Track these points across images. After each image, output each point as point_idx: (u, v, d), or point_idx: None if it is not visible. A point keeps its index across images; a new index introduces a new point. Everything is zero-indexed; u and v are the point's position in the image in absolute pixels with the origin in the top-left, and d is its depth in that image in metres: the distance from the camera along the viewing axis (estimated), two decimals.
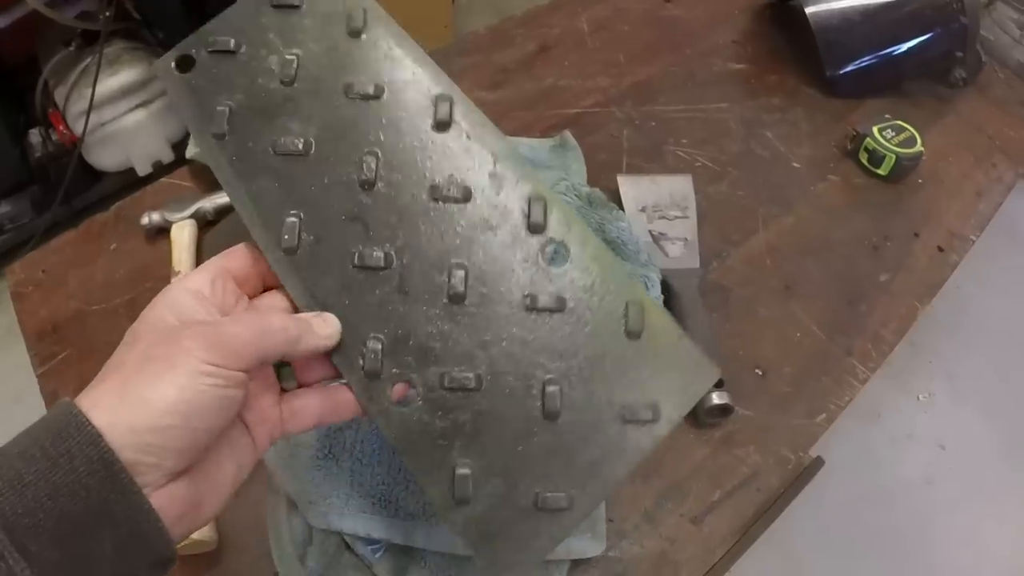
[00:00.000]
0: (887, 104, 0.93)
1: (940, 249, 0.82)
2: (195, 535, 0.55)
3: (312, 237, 0.40)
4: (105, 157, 1.51)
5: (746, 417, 0.66)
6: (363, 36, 0.42)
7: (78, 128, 1.41)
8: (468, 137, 0.41)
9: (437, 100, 0.41)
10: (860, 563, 1.19)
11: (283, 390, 0.39)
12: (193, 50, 0.43)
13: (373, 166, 0.40)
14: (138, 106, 1.47)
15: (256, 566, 0.56)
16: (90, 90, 1.36)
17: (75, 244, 0.77)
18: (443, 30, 1.86)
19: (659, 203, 0.75)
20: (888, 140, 0.84)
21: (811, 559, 1.13)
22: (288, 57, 0.42)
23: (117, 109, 1.45)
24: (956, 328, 1.40)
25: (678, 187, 0.77)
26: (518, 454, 0.38)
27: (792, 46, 0.97)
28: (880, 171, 0.85)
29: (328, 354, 0.39)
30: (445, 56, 0.89)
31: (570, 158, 0.77)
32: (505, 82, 0.89)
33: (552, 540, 0.38)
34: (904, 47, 0.92)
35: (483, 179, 0.41)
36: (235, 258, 0.39)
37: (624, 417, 0.38)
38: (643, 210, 0.75)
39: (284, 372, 0.39)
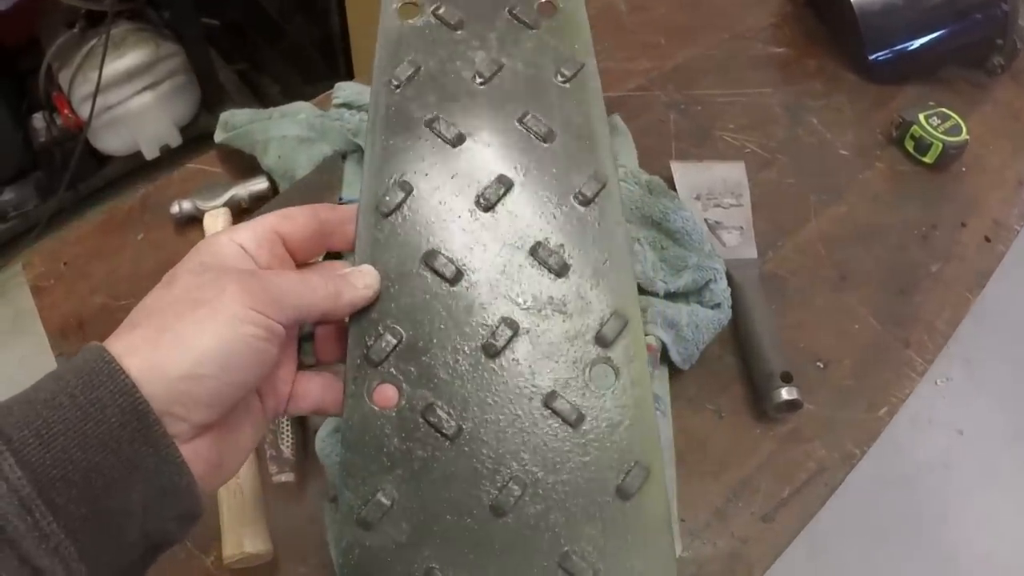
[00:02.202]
0: (926, 91, 0.89)
1: (987, 239, 0.78)
2: (250, 548, 0.50)
3: (408, 214, 0.37)
4: (112, 141, 1.44)
5: (810, 411, 0.62)
6: (567, 85, 0.41)
7: (84, 112, 1.34)
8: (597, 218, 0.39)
9: (591, 177, 0.39)
10: (879, 546, 1.17)
11: (301, 366, 0.37)
12: (422, 4, 0.43)
13: (500, 192, 0.38)
14: (145, 89, 1.40)
15: None
16: (95, 73, 1.29)
17: (98, 234, 0.71)
18: None
19: (713, 190, 0.71)
20: (934, 128, 0.80)
21: (830, 542, 1.11)
22: (494, 59, 0.41)
23: (123, 92, 1.38)
24: (973, 313, 1.37)
25: (731, 174, 0.72)
26: (442, 522, 0.33)
27: (828, 28, 0.92)
28: (926, 159, 0.81)
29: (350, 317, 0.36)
30: None
31: (619, 143, 0.72)
32: None
33: None
34: (945, 32, 0.88)
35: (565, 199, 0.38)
36: (293, 221, 0.35)
37: (561, 563, 0.33)
38: (697, 198, 0.70)
39: (305, 347, 0.37)
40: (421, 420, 0.34)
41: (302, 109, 0.69)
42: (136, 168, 1.50)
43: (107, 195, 1.53)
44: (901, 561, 1.18)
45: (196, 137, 1.49)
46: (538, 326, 0.36)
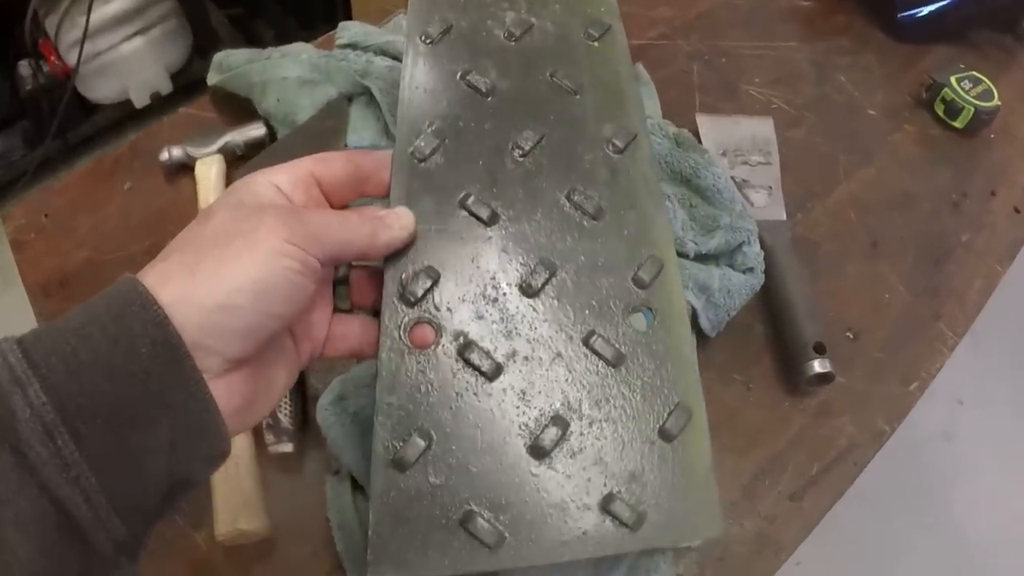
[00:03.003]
0: (954, 53, 0.82)
1: (1016, 210, 0.73)
2: (245, 525, 0.44)
3: (443, 160, 0.37)
4: (100, 88, 1.35)
5: (840, 384, 0.57)
6: (595, 43, 0.42)
7: (71, 59, 1.24)
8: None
9: (622, 128, 0.39)
10: (879, 517, 1.14)
11: (336, 310, 0.36)
12: None
13: (535, 140, 0.38)
14: (135, 34, 1.31)
15: (318, 556, 0.46)
16: (83, 18, 1.19)
17: (83, 184, 0.64)
18: None
19: (740, 147, 0.64)
20: (966, 91, 0.74)
21: (830, 513, 1.07)
22: (524, 19, 0.41)
23: (113, 38, 1.28)
24: None
25: (760, 130, 0.66)
26: (480, 463, 0.31)
27: None
28: (956, 123, 0.75)
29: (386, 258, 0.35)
30: None
31: (644, 93, 0.65)
32: None
33: (450, 566, 0.30)
34: None
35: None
36: (329, 165, 0.34)
37: (605, 506, 0.31)
38: (724, 154, 0.64)
39: (340, 291, 0.36)
40: (459, 359, 0.33)
41: (304, 50, 0.62)
42: (125, 116, 1.42)
43: (96, 144, 1.44)
44: (902, 529, 1.14)
45: (187, 84, 1.40)
46: (575, 267, 0.35)
